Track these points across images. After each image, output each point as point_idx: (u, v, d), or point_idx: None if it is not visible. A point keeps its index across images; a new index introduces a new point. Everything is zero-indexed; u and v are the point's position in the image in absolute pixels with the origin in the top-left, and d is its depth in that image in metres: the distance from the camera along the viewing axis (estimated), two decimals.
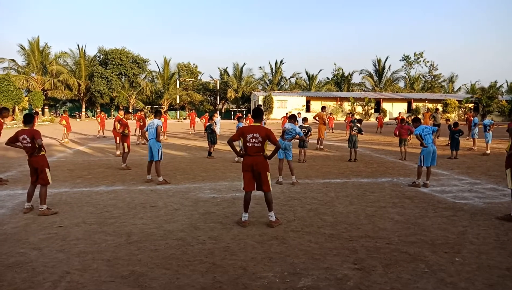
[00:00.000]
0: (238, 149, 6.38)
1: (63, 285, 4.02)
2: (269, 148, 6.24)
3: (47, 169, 6.79)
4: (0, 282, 4.09)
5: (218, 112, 56.22)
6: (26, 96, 46.24)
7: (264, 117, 18.44)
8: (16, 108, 41.35)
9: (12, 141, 6.93)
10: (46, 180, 6.75)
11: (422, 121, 9.51)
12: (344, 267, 4.50)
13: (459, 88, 76.47)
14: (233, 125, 13.88)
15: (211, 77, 68.58)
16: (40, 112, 45.80)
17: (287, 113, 34.13)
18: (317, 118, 17.19)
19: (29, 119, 6.97)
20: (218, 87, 62.93)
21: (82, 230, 5.81)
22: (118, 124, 12.65)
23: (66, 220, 6.27)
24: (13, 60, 54.47)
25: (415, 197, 8.02)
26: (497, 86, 59.50)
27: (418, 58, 70.48)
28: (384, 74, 70.68)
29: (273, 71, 69.31)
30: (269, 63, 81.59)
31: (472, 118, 17.89)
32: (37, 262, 4.59)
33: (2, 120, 9.94)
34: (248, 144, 5.98)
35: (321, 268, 4.45)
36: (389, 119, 48.75)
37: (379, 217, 6.51)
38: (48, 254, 4.84)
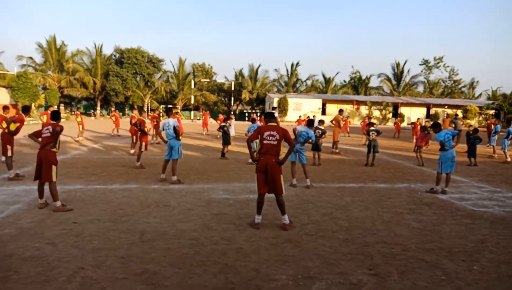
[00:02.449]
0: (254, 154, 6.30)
1: (78, 281, 4.04)
2: (283, 150, 6.19)
3: (54, 166, 6.72)
4: (17, 274, 4.14)
5: (232, 112, 56.33)
6: (42, 93, 46.95)
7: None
8: (33, 105, 42.04)
9: (36, 135, 7.11)
10: (49, 177, 6.64)
11: (442, 127, 9.28)
12: (358, 272, 4.43)
13: (480, 94, 75.03)
14: (247, 126, 13.91)
15: (226, 78, 68.78)
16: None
17: (300, 116, 34.08)
18: (333, 121, 17.05)
19: (56, 115, 7.22)
20: (232, 88, 63.05)
21: (96, 227, 5.84)
22: (134, 125, 12.70)
23: (80, 217, 6.31)
24: (31, 58, 55.58)
25: (433, 203, 7.86)
26: None
27: (438, 62, 69.29)
28: (403, 78, 69.89)
29: (289, 73, 69.19)
30: (285, 65, 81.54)
31: (494, 125, 17.49)
32: (52, 257, 4.62)
33: (25, 118, 10.18)
34: (264, 141, 5.96)
35: (335, 273, 4.39)
36: (407, 124, 48.06)
37: (396, 223, 6.40)
38: (62, 250, 4.88)
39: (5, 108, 10.27)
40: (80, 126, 19.90)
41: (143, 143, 11.82)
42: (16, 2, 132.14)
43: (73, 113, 56.01)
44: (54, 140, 6.81)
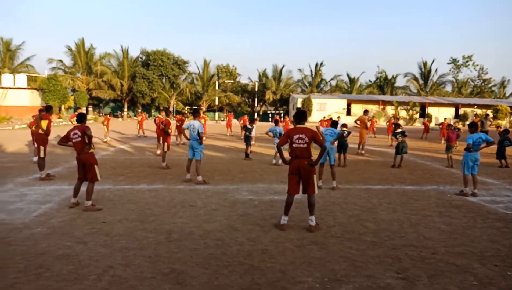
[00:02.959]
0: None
1: (107, 279, 4.13)
2: (315, 151, 6.15)
3: (95, 166, 6.99)
4: (49, 272, 4.27)
5: (256, 114, 56.40)
6: (71, 95, 48.38)
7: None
8: (63, 106, 43.32)
9: (64, 141, 7.27)
10: (94, 177, 6.95)
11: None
12: (387, 275, 4.35)
13: (511, 94, 72.71)
14: (269, 127, 13.95)
15: (249, 79, 68.94)
16: (84, 111, 47.76)
17: (324, 117, 33.77)
18: (358, 122, 16.81)
19: (81, 117, 7.42)
20: (256, 89, 63.17)
21: (124, 226, 5.95)
22: (161, 125, 12.88)
23: (109, 216, 6.45)
24: (61, 61, 57.38)
25: (463, 206, 7.65)
26: None
27: (467, 61, 67.40)
28: (430, 78, 68.33)
29: (313, 73, 68.80)
30: (309, 65, 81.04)
31: None
32: (83, 256, 4.74)
33: (50, 117, 10.48)
34: (294, 145, 5.93)
35: (362, 276, 4.33)
36: (435, 124, 46.96)
37: (424, 226, 6.26)
38: (92, 248, 4.99)
39: (41, 110, 10.64)
40: (105, 127, 20.73)
41: (166, 144, 12.00)
42: (46, 6, 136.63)
43: (101, 114, 57.43)
44: (89, 143, 7.02)
